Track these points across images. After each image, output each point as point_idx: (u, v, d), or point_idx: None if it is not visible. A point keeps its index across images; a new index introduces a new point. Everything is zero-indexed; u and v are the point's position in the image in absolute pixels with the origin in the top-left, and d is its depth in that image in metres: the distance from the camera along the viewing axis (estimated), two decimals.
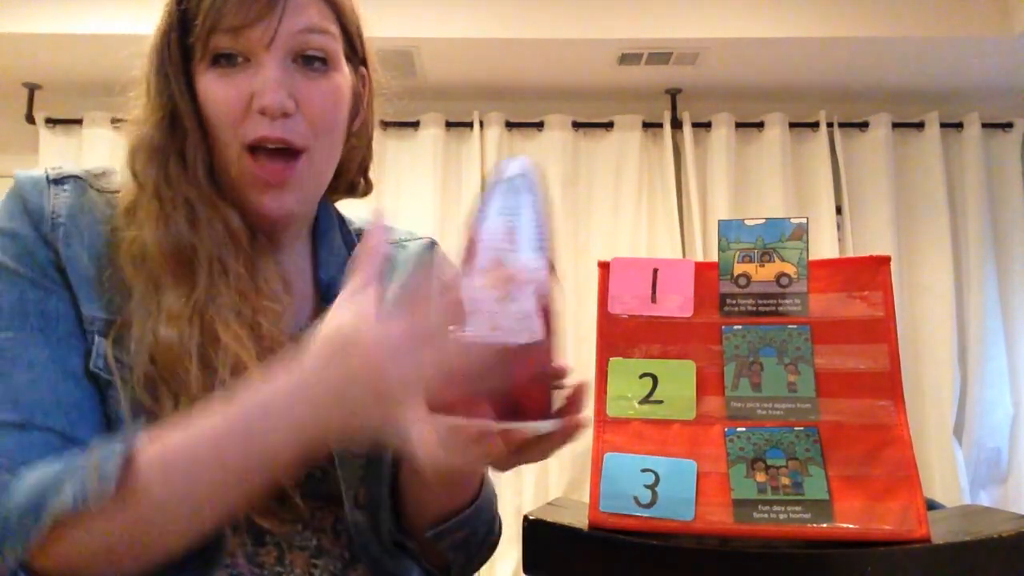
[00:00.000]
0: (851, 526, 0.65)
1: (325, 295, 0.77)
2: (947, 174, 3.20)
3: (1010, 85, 3.18)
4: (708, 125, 3.21)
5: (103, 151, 3.13)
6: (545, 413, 0.56)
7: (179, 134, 0.69)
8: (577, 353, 3.05)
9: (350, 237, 0.84)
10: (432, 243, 0.92)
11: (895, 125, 3.21)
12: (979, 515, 0.77)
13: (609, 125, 3.22)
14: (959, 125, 3.22)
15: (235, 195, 0.71)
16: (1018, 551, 0.64)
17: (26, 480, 0.59)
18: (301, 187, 0.72)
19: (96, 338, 0.65)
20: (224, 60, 0.68)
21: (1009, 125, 3.24)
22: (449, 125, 3.19)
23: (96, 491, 0.56)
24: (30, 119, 3.20)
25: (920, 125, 3.22)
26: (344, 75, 0.74)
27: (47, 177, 0.69)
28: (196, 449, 0.58)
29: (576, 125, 3.22)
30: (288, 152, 0.69)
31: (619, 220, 3.16)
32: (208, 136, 0.70)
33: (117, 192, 0.71)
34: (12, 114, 3.22)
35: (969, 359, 3.08)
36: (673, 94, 3.25)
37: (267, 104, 0.67)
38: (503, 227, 0.54)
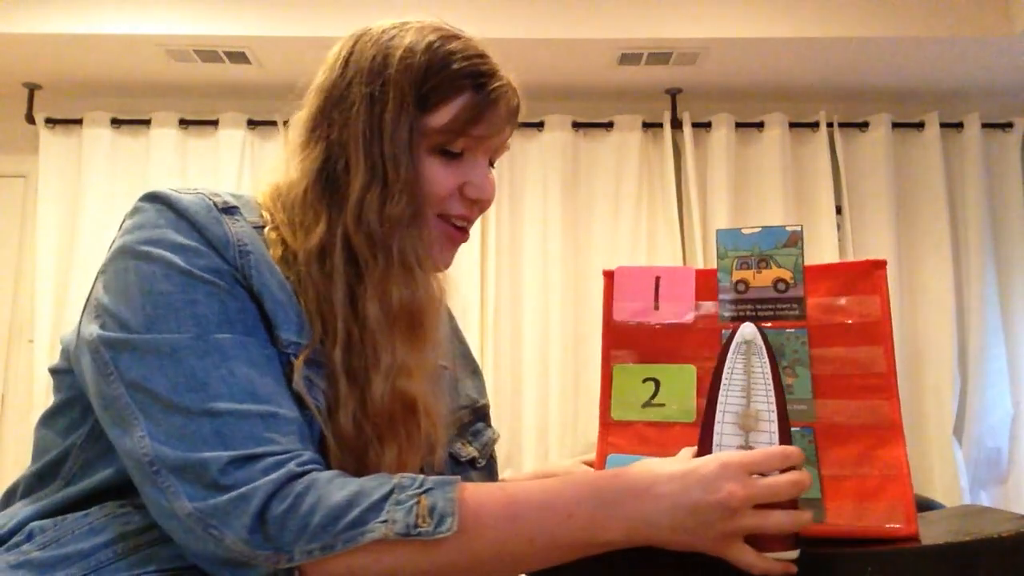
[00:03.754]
0: (842, 523, 0.67)
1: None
2: (947, 174, 3.20)
3: (1010, 85, 3.19)
4: (708, 125, 3.21)
5: (103, 151, 3.13)
6: (793, 539, 0.64)
7: (421, 208, 0.75)
8: (576, 351, 3.06)
9: None
10: (448, 307, 1.00)
11: (895, 125, 3.21)
12: (979, 515, 0.77)
13: (609, 125, 3.22)
14: (959, 125, 3.22)
15: None
16: (1018, 551, 0.64)
17: (332, 488, 0.62)
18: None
19: (294, 361, 0.69)
20: (448, 152, 0.76)
21: (1009, 125, 3.24)
22: None
23: (426, 528, 0.60)
24: (30, 119, 3.21)
25: (920, 125, 3.23)
26: None
27: (215, 204, 0.71)
28: (525, 521, 0.63)
29: (576, 125, 3.22)
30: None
31: (619, 220, 3.16)
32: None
33: (260, 227, 0.74)
34: (12, 114, 3.22)
35: (969, 359, 3.09)
36: (673, 94, 3.25)
37: (486, 199, 0.79)
38: (740, 383, 0.66)
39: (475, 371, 0.96)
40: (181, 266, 0.67)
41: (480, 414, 0.93)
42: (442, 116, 0.74)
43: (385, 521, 0.60)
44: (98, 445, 0.70)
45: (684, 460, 0.66)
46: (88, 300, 0.71)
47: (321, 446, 0.69)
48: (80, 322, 0.71)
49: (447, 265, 0.81)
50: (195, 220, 0.69)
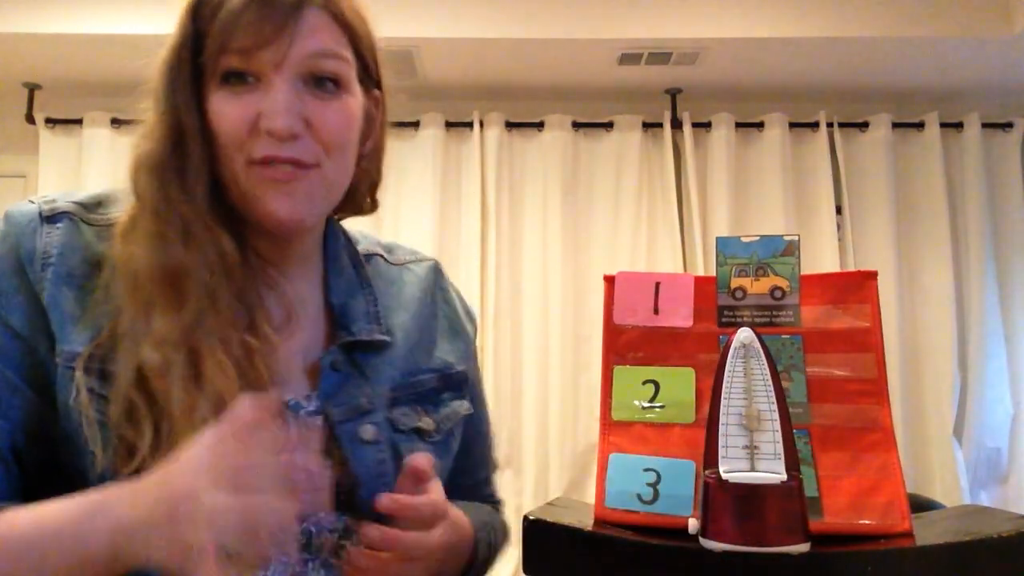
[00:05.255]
0: (839, 521, 0.69)
1: (340, 319, 0.78)
2: (947, 174, 3.20)
3: (1010, 85, 3.19)
4: (708, 125, 3.22)
5: (103, 151, 3.14)
6: (803, 532, 0.64)
7: (182, 152, 0.68)
8: (577, 352, 3.06)
9: (357, 258, 0.84)
10: (437, 265, 0.92)
11: (895, 125, 3.21)
12: (979, 515, 0.77)
13: (609, 125, 3.23)
14: (959, 125, 3.22)
15: (245, 208, 0.70)
16: (1018, 551, 0.64)
17: None
18: (312, 198, 0.71)
19: (77, 374, 0.64)
20: (234, 79, 0.68)
21: (1009, 125, 3.25)
22: (449, 125, 3.20)
23: None
24: (30, 119, 3.21)
25: (920, 125, 3.23)
26: (356, 97, 0.74)
27: (40, 214, 0.69)
28: (13, 552, 0.56)
29: (576, 125, 3.23)
30: (299, 164, 0.70)
31: (619, 220, 3.17)
32: (214, 154, 0.69)
33: (111, 225, 0.70)
34: (12, 114, 3.23)
35: (969, 359, 3.09)
36: (673, 94, 3.26)
37: (274, 127, 0.67)
38: (741, 385, 0.67)
39: (458, 333, 0.88)
40: None
41: (452, 382, 0.85)
42: (209, 42, 0.67)
43: None
44: None
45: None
46: None
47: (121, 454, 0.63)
48: None
49: (282, 215, 0.69)
50: (14, 233, 0.68)
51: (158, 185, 0.68)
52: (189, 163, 0.68)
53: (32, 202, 0.70)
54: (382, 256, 0.87)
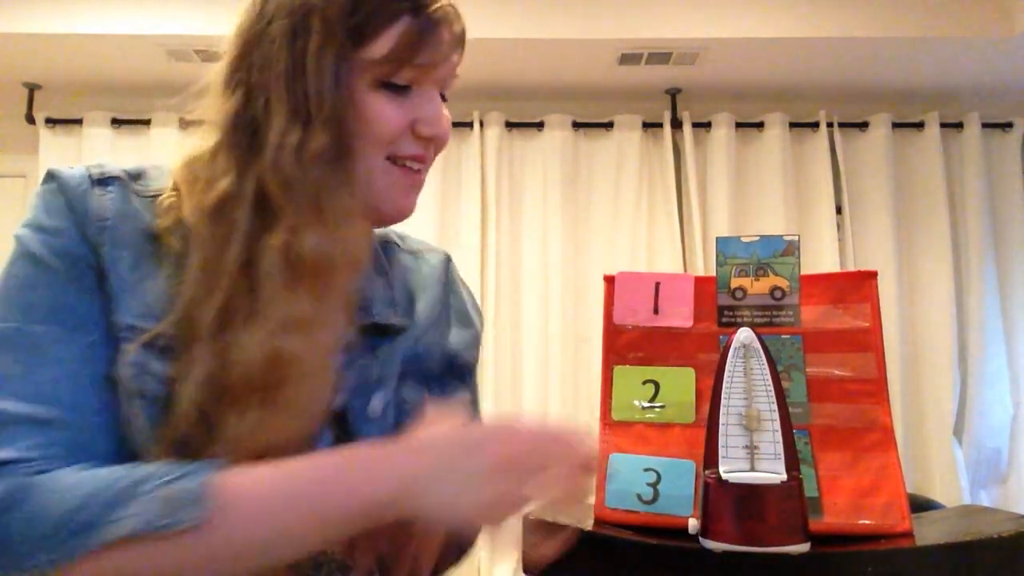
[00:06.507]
0: (839, 521, 0.69)
1: (361, 302, 0.78)
2: (947, 174, 3.20)
3: (1010, 85, 3.19)
4: (708, 125, 3.22)
5: (103, 151, 3.13)
6: (803, 532, 0.65)
7: (341, 144, 0.69)
8: (577, 352, 3.06)
9: (374, 245, 0.85)
10: (448, 257, 0.93)
11: (895, 125, 3.21)
12: (979, 515, 0.77)
13: (609, 125, 3.23)
14: (959, 125, 3.22)
15: (370, 202, 0.73)
16: (1018, 551, 0.64)
17: (62, 489, 0.57)
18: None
19: (126, 346, 0.64)
20: (393, 86, 0.71)
21: (1009, 125, 3.24)
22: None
23: (170, 520, 0.55)
24: (30, 119, 3.21)
25: (920, 125, 3.23)
26: None
27: (90, 176, 0.68)
28: (289, 493, 0.59)
29: (576, 125, 3.23)
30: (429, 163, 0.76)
31: (619, 220, 3.16)
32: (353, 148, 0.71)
33: (157, 195, 0.69)
34: (12, 114, 3.23)
35: (969, 359, 3.09)
36: (673, 94, 3.26)
37: (438, 134, 0.73)
38: (741, 385, 0.68)
39: (466, 324, 0.89)
40: (33, 250, 0.65)
41: (458, 370, 0.85)
42: (380, 47, 0.68)
43: (118, 520, 0.55)
44: None
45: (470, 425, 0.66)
46: None
47: (160, 429, 0.64)
48: None
49: (408, 211, 0.76)
50: (67, 195, 0.67)
51: (327, 175, 0.68)
52: (349, 156, 0.70)
53: (74, 167, 0.70)
54: (397, 243, 0.88)
